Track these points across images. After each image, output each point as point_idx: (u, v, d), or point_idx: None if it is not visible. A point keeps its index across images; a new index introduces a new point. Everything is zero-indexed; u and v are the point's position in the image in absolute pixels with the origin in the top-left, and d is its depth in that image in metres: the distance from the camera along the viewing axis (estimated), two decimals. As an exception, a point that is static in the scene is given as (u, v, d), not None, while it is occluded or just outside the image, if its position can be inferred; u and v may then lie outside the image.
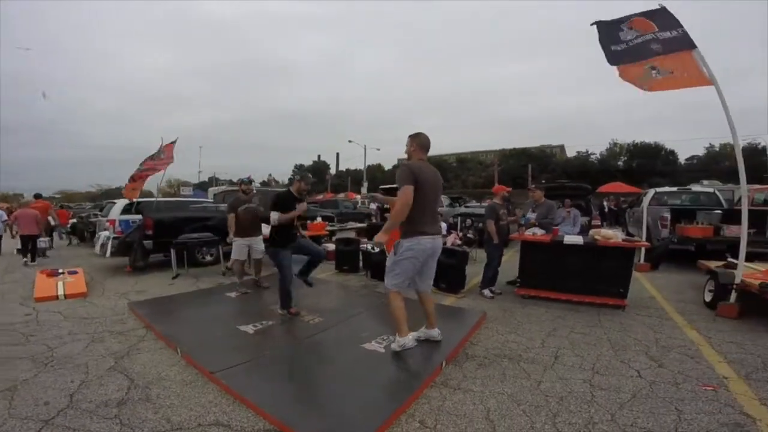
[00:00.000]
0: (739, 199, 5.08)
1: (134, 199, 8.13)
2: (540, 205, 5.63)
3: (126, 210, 8.27)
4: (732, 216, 6.88)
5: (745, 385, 2.60)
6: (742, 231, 4.26)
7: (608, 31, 4.54)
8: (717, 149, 38.04)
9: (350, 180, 45.53)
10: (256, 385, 2.56)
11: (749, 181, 4.82)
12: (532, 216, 5.57)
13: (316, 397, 2.47)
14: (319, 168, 57.45)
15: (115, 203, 8.71)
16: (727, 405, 2.35)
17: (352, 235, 8.54)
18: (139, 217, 7.45)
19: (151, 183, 8.87)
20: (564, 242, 4.73)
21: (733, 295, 4.15)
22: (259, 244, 5.31)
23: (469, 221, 11.11)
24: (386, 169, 59.35)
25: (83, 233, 11.70)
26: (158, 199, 8.80)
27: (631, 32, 4.38)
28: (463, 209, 13.19)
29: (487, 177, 43.05)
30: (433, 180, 3.03)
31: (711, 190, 9.71)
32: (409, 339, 3.06)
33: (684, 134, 74.14)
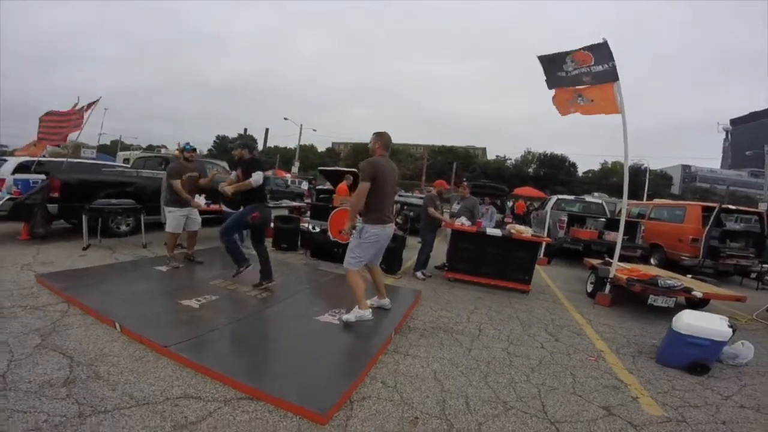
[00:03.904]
0: (620, 210, 6.29)
1: (38, 157, 7.03)
2: (465, 199, 6.38)
3: (21, 169, 7.08)
4: (613, 224, 8.43)
5: (616, 358, 3.41)
6: (618, 237, 5.35)
7: (553, 64, 5.11)
8: (609, 166, 44.58)
9: (279, 158, 43.50)
10: (218, 357, 2.60)
11: (629, 197, 6.01)
12: (457, 207, 6.26)
13: (283, 366, 2.59)
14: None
15: (6, 161, 7.37)
16: (606, 372, 3.08)
17: (284, 212, 8.39)
18: (42, 177, 6.46)
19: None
20: (486, 233, 5.47)
21: (608, 287, 5.22)
22: (196, 215, 5.10)
23: (398, 206, 11.71)
24: (320, 151, 57.93)
25: None
26: (68, 160, 7.67)
27: (573, 63, 5.00)
28: (397, 197, 13.79)
29: (415, 170, 44.90)
30: (392, 175, 3.41)
31: (599, 201, 11.67)
32: (368, 312, 3.27)
33: (585, 149, 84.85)
